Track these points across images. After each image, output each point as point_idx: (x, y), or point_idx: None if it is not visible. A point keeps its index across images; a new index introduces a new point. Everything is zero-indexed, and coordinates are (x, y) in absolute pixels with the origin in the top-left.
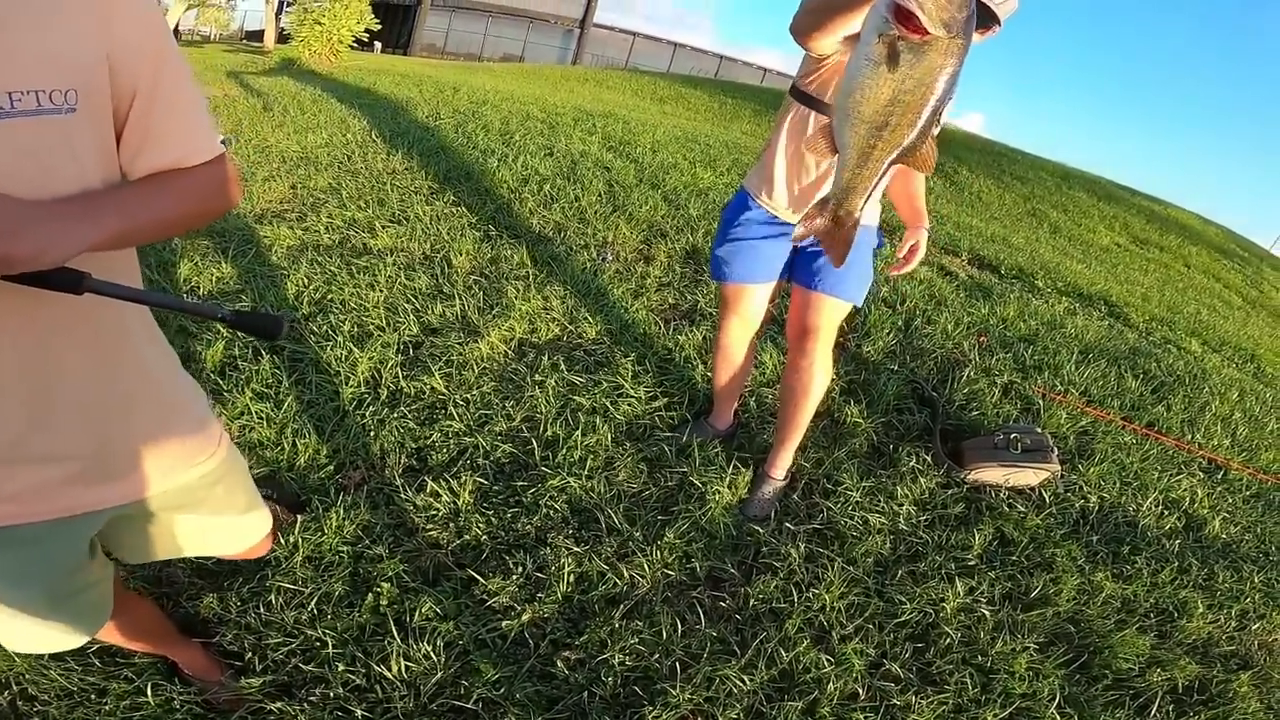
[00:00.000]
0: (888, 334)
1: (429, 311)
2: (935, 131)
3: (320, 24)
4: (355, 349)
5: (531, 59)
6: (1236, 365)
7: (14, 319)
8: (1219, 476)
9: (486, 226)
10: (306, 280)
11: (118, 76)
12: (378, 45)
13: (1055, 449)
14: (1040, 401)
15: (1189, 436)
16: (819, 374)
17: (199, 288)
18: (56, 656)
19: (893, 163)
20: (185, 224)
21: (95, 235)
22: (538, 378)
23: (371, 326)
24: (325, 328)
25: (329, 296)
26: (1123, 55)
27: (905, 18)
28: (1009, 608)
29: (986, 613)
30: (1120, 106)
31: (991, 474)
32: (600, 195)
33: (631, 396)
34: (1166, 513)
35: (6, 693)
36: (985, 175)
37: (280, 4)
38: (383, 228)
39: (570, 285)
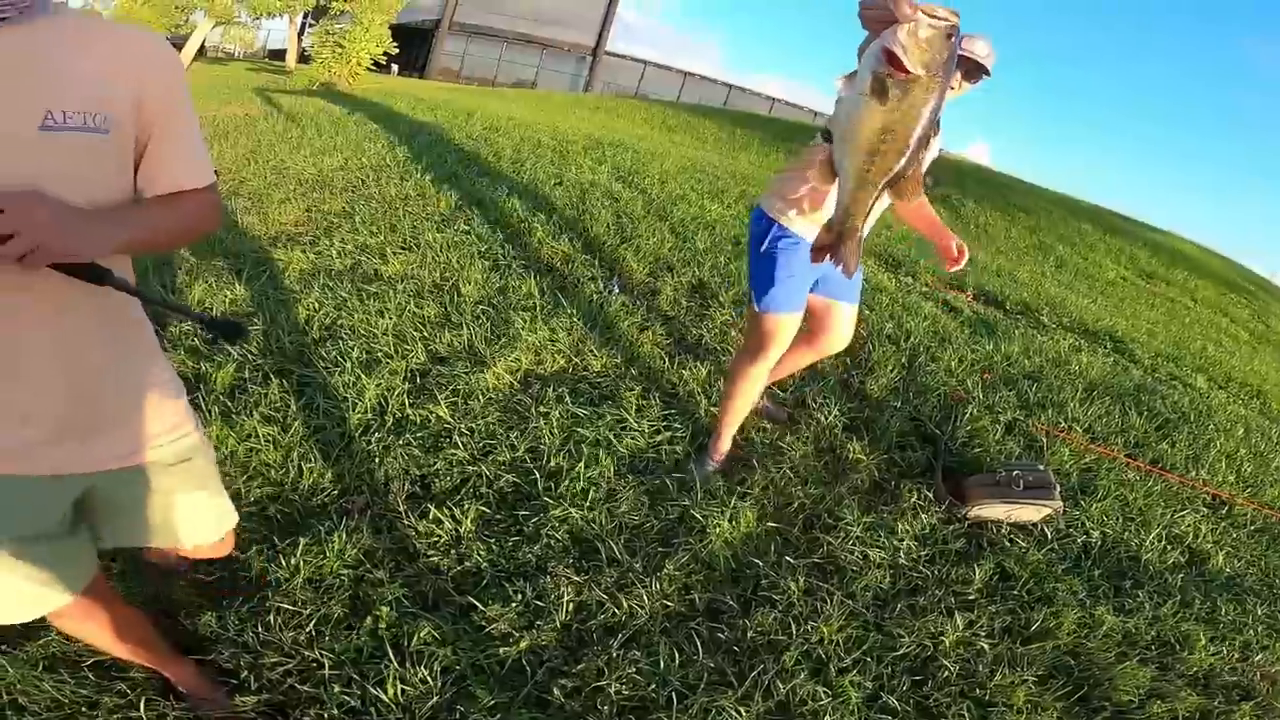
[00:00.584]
0: (891, 370)
1: (437, 340)
2: (924, 163)
3: (342, 46)
4: (363, 375)
5: (545, 85)
6: (1242, 401)
7: (47, 302)
8: (1223, 512)
9: (496, 255)
10: (318, 305)
11: (143, 115)
12: (394, 68)
13: (1057, 485)
14: (1044, 439)
15: (1193, 473)
16: None
17: (212, 308)
18: (50, 668)
19: (885, 186)
20: (183, 239)
21: (119, 240)
22: (542, 409)
23: (380, 353)
24: (335, 353)
25: (339, 322)
26: (1125, 81)
27: (893, 59)
28: (1009, 641)
29: (986, 646)
30: (1119, 134)
31: (993, 510)
32: (608, 227)
33: (635, 430)
34: (1169, 548)
35: None
36: (991, 207)
37: (302, 25)
38: (394, 254)
39: (577, 317)
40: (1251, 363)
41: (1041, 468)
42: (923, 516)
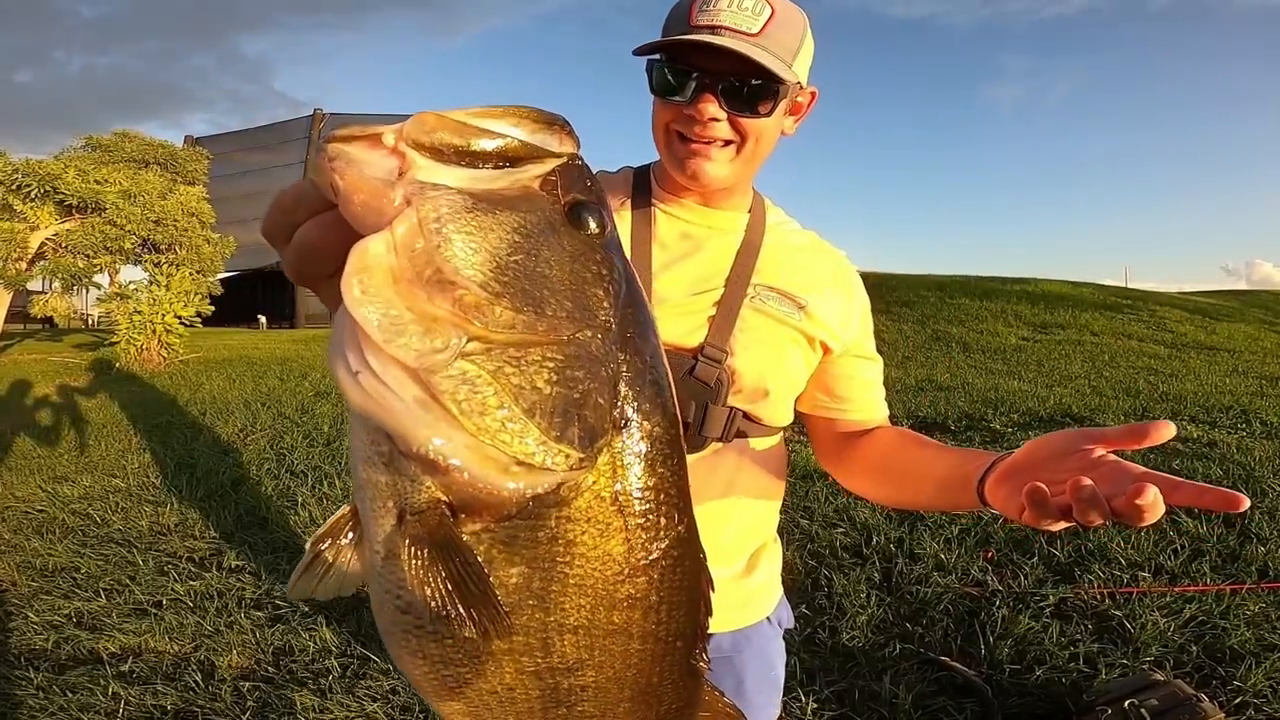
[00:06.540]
0: (868, 599)
1: None
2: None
3: (140, 313)
4: None
5: None
6: (1246, 432)
7: None
8: None
9: (273, 599)
10: None
11: None
12: (263, 320)
13: (1200, 696)
14: (1118, 610)
15: None
16: None
17: None
18: None
19: None
20: None
21: None
22: None
23: None
24: None
25: None
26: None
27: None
28: None
29: None
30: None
31: None
32: None
33: None
34: None
35: None
36: (876, 313)
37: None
38: (119, 622)
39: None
40: (1200, 379)
41: (1159, 677)
42: None
